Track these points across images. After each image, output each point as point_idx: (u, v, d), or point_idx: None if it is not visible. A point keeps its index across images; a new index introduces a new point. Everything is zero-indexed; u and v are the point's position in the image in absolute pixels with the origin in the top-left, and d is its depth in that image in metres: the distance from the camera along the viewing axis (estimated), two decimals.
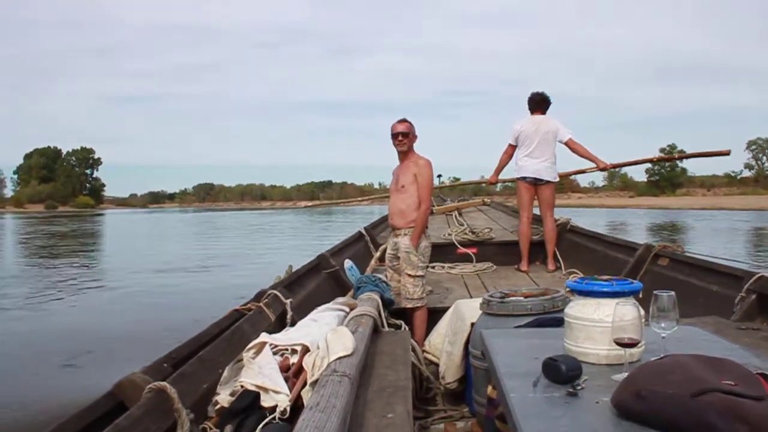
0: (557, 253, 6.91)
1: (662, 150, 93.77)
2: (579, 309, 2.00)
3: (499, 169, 7.15)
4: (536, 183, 6.74)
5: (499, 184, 8.05)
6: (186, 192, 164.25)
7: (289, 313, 3.76)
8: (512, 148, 6.83)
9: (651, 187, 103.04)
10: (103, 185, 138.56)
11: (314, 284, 5.24)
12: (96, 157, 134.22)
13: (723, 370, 1.52)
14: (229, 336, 2.87)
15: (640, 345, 1.86)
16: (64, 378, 6.80)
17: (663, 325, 1.84)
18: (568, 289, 2.20)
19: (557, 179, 6.96)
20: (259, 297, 3.76)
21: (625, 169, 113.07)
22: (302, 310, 3.88)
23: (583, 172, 8.31)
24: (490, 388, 2.75)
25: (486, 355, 2.22)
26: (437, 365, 4.21)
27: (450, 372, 3.91)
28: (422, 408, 3.71)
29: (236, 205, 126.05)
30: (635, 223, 35.49)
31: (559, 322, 2.75)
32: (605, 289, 1.99)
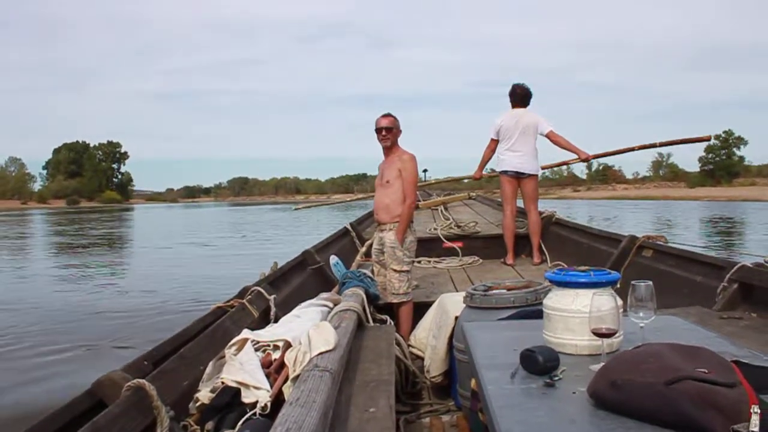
0: (542, 245, 6.94)
1: (717, 137, 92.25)
2: (557, 300, 2.01)
3: (483, 163, 7.17)
4: (518, 176, 6.77)
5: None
6: (221, 186, 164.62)
7: (273, 310, 3.75)
8: (494, 143, 6.85)
9: (705, 176, 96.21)
10: (131, 180, 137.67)
11: (299, 280, 5.23)
12: (123, 150, 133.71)
13: (698, 359, 1.53)
14: (211, 333, 2.87)
15: (617, 335, 1.87)
16: None
17: (641, 314, 1.85)
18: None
19: (539, 172, 6.99)
20: (242, 293, 3.75)
21: (674, 159, 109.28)
22: (286, 307, 3.87)
23: (565, 163, 8.36)
24: (473, 381, 2.76)
25: (466, 348, 2.23)
26: (423, 359, 4.22)
27: (435, 366, 3.92)
28: (408, 402, 3.72)
29: (270, 198, 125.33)
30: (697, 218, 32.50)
31: (540, 314, 2.77)
32: (583, 280, 2.00)
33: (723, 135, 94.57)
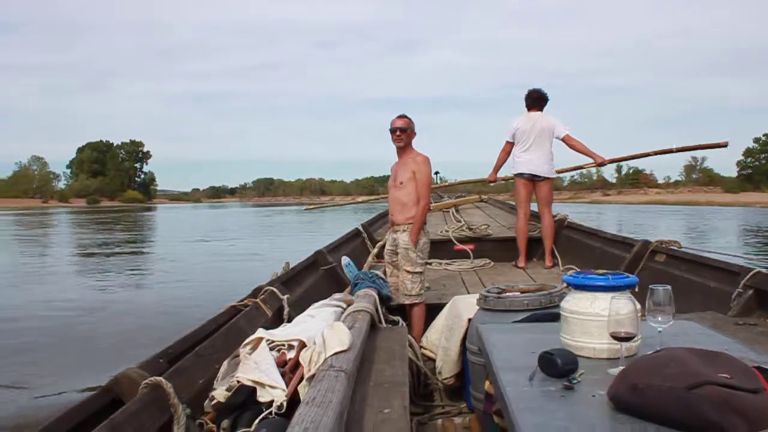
0: (555, 249, 6.92)
1: (756, 140, 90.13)
2: (575, 303, 2.00)
3: (498, 166, 7.14)
4: (533, 179, 6.75)
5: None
6: (246, 187, 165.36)
7: (286, 309, 3.76)
8: (510, 145, 6.84)
9: (743, 181, 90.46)
10: (154, 179, 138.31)
11: (311, 280, 5.24)
12: (145, 150, 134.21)
13: (719, 364, 1.52)
14: (225, 332, 2.87)
15: (636, 339, 1.86)
16: None
17: (659, 319, 1.84)
18: (565, 284, 2.20)
19: (555, 175, 6.97)
20: (255, 293, 3.76)
21: (708, 163, 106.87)
22: (299, 307, 3.88)
23: (581, 168, 8.33)
24: (487, 383, 2.74)
25: (483, 350, 2.22)
26: (434, 361, 4.21)
27: (447, 368, 3.91)
28: (420, 404, 3.71)
29: (295, 199, 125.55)
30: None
31: (555, 317, 2.75)
32: (601, 283, 1.99)
33: (763, 138, 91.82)
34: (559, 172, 7.47)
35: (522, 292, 3.42)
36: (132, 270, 16.93)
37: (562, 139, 6.69)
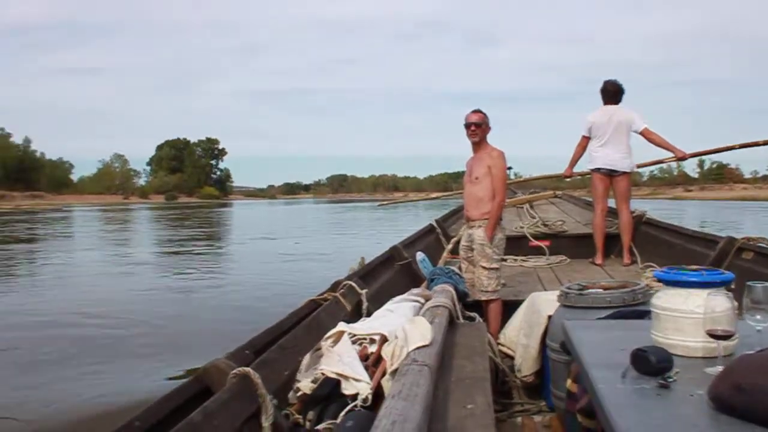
0: (633, 246, 6.74)
1: None
2: (668, 300, 1.94)
3: (573, 161, 7.01)
4: (611, 174, 6.60)
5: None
6: (320, 183, 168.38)
7: (365, 304, 3.78)
8: (586, 140, 6.70)
9: None
10: (229, 176, 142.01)
11: (387, 276, 5.26)
12: (221, 147, 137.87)
13: None
14: (307, 325, 2.91)
15: (734, 337, 1.79)
16: None
17: (758, 317, 1.76)
18: (654, 279, 2.13)
19: (633, 170, 6.80)
20: (334, 287, 3.79)
21: None
22: (376, 301, 3.90)
23: (661, 162, 8.10)
24: (569, 381, 2.69)
25: (569, 347, 2.18)
26: (512, 358, 4.17)
27: (526, 365, 3.86)
28: (499, 401, 3.68)
29: (369, 196, 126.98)
30: None
31: (640, 315, 2.68)
32: (695, 279, 1.92)
33: None
34: (639, 167, 7.28)
35: (604, 289, 3.35)
36: (211, 264, 17.46)
37: (641, 133, 6.52)
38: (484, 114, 4.97)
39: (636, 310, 2.90)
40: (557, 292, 3.55)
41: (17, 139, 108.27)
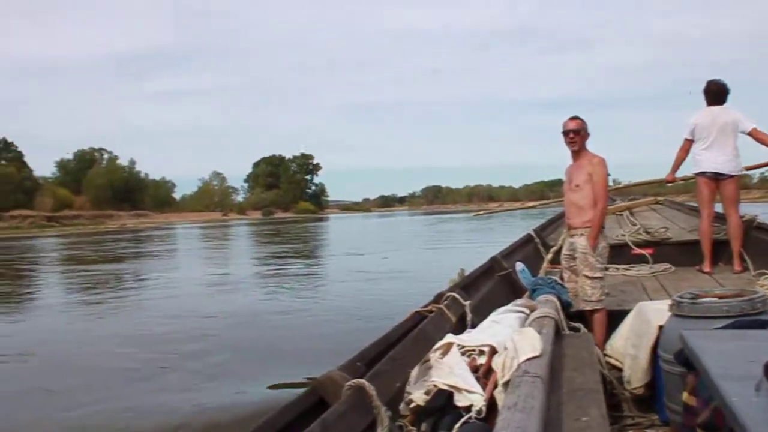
0: (744, 252, 6.42)
1: None
2: None
3: (676, 166, 6.77)
4: (717, 178, 6.33)
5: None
6: (414, 195, 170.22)
7: (469, 315, 3.77)
8: (689, 143, 6.46)
9: None
10: (324, 190, 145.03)
11: (488, 287, 5.22)
12: (315, 162, 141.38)
13: None
14: (414, 337, 2.93)
15: None
16: None
17: None
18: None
19: (741, 173, 6.50)
20: (438, 299, 3.80)
21: None
22: (479, 312, 3.88)
23: None
24: (686, 394, 2.60)
25: (691, 358, 2.10)
26: (619, 369, 4.06)
27: (636, 377, 3.74)
28: (609, 414, 3.57)
29: (463, 206, 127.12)
30: None
31: (762, 325, 2.56)
32: None
33: None
34: (747, 169, 6.95)
35: (719, 298, 3.22)
36: (312, 278, 17.86)
37: (749, 134, 6.23)
38: (582, 120, 4.87)
39: (758, 320, 2.78)
40: (667, 301, 3.43)
41: (123, 161, 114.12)
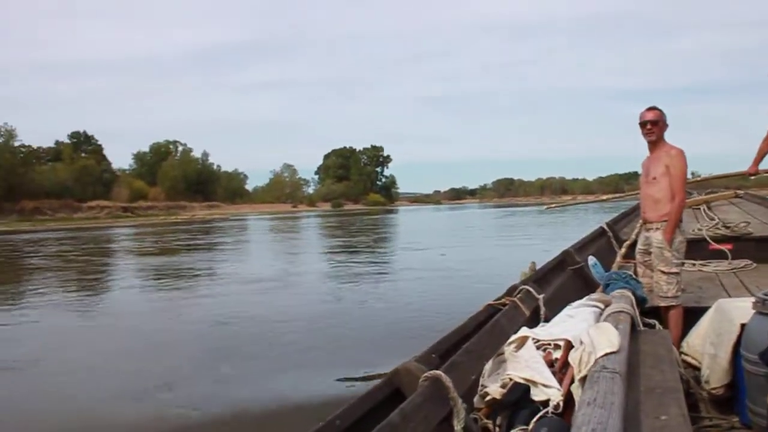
0: None
1: None
2: None
3: (759, 157, 6.49)
4: None
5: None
6: (486, 187, 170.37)
7: (542, 309, 3.72)
8: None
9: None
10: (395, 182, 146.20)
11: (560, 280, 5.14)
12: (385, 154, 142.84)
13: None
14: (489, 330, 2.91)
15: None
16: None
17: None
18: None
19: None
20: (510, 292, 3.76)
21: None
22: (552, 306, 3.83)
23: None
24: None
25: None
26: (696, 368, 3.94)
27: (715, 377, 3.62)
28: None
29: (535, 199, 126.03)
30: None
31: None
32: None
33: None
34: None
35: None
36: (382, 268, 18.03)
37: None
38: (661, 111, 4.73)
39: None
40: (750, 299, 3.31)
41: (197, 153, 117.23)
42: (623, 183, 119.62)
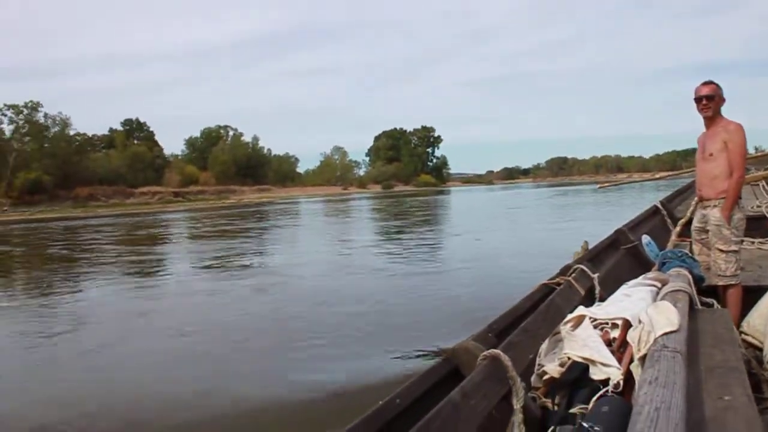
0: None
1: None
2: None
3: None
4: None
5: None
6: (539, 167, 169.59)
7: (597, 288, 3.70)
8: None
9: None
10: (446, 163, 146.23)
11: (614, 259, 5.09)
12: (436, 135, 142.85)
13: None
14: (545, 309, 2.91)
15: None
16: None
17: None
18: None
19: None
20: (564, 271, 3.74)
21: None
22: (606, 285, 3.79)
23: None
24: None
25: None
26: (757, 348, 3.85)
27: None
28: None
29: (590, 178, 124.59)
30: None
31: None
32: None
33: None
34: None
35: None
36: (433, 246, 18.08)
37: None
38: (717, 85, 4.61)
39: None
40: None
41: (247, 137, 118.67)
42: (681, 160, 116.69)
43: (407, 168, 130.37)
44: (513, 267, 13.02)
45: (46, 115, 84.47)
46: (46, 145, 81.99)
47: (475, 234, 22.00)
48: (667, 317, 2.36)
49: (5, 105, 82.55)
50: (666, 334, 2.26)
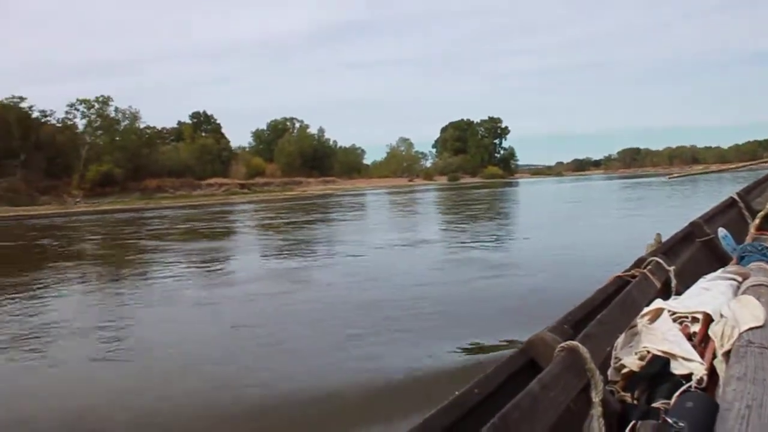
0: None
1: None
2: None
3: None
4: None
5: None
6: (611, 158, 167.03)
7: (673, 281, 3.59)
8: None
9: None
10: (513, 154, 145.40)
11: (689, 253, 4.92)
12: (503, 126, 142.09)
13: None
14: (620, 301, 2.84)
15: None
16: None
17: None
18: None
19: None
20: (639, 263, 3.64)
21: None
22: (682, 279, 3.67)
23: None
24: None
25: None
26: None
27: None
28: None
29: (663, 169, 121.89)
30: None
31: None
32: None
33: None
34: None
35: None
36: (501, 238, 18.02)
37: None
38: None
39: None
40: None
41: (313, 129, 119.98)
42: (762, 150, 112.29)
43: (474, 159, 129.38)
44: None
45: (116, 109, 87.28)
46: (117, 138, 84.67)
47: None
48: (751, 312, 2.27)
49: (78, 100, 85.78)
50: (751, 329, 2.18)
